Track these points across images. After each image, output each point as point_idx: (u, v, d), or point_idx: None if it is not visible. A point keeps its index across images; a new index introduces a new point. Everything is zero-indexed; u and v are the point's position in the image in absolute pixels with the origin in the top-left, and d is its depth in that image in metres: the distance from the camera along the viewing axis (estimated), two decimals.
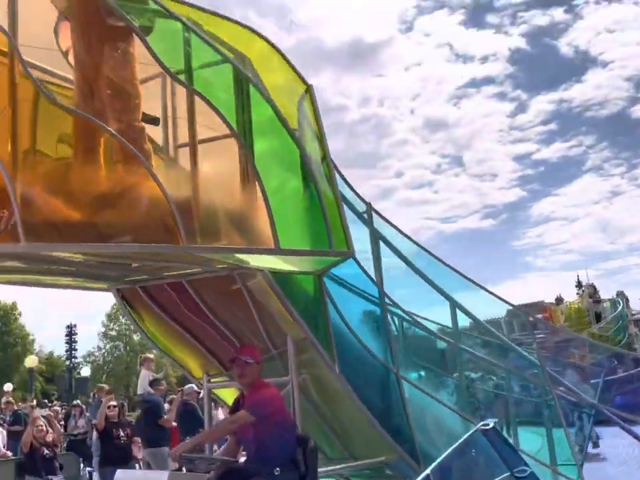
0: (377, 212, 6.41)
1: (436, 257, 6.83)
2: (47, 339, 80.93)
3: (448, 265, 6.80)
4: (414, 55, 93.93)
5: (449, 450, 4.12)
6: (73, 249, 4.01)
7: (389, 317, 6.34)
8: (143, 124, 4.39)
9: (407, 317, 6.66)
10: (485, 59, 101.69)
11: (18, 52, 3.84)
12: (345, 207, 5.99)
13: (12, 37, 3.86)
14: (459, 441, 4.24)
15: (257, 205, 4.58)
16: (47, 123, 4.19)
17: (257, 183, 4.55)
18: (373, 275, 6.20)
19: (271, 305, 5.31)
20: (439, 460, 4.04)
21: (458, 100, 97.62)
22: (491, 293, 7.08)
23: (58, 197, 3.89)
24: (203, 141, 4.71)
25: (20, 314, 51.10)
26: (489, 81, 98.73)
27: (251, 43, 5.19)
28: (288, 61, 5.32)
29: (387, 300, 6.27)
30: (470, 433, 4.43)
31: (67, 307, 69.78)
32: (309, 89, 5.44)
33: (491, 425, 4.22)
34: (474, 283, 6.90)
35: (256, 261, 4.88)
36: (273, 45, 5.24)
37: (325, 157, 5.37)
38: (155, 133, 5.25)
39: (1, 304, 49.57)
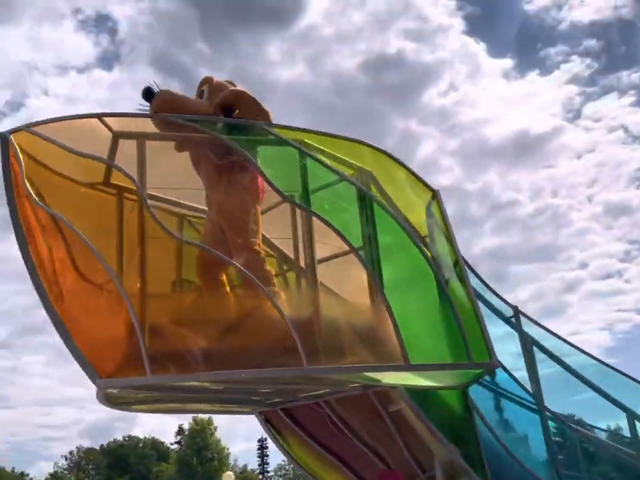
0: (525, 315, 5.91)
1: (605, 364, 6.06)
2: (240, 452, 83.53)
3: (620, 371, 6.00)
4: (585, 141, 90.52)
5: None
6: (193, 379, 4.10)
7: (551, 430, 5.65)
8: (262, 250, 4.51)
9: (577, 430, 5.90)
10: None
11: (143, 195, 4.18)
12: (490, 313, 5.65)
13: (138, 180, 4.22)
14: None
15: (383, 320, 4.41)
16: (175, 257, 4.47)
17: (382, 297, 4.41)
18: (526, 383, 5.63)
19: (412, 424, 4.98)
20: None
21: None
22: None
23: (181, 327, 4.06)
24: (324, 260, 4.74)
25: (215, 428, 53.38)
26: None
27: (374, 159, 5.24)
28: (411, 171, 5.30)
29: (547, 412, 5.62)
30: None
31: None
32: (435, 195, 5.34)
33: None
34: None
35: (387, 378, 4.65)
36: (394, 158, 5.25)
37: (458, 261, 5.13)
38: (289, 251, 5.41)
39: (198, 419, 52.29)
